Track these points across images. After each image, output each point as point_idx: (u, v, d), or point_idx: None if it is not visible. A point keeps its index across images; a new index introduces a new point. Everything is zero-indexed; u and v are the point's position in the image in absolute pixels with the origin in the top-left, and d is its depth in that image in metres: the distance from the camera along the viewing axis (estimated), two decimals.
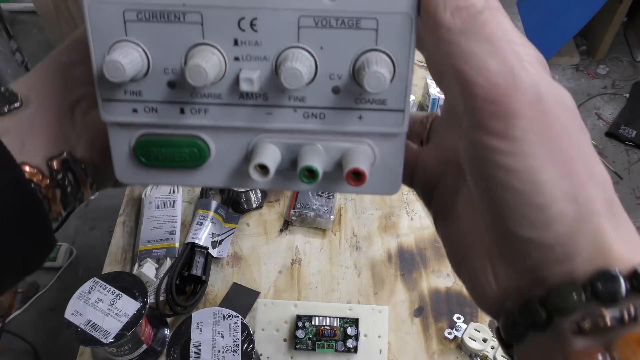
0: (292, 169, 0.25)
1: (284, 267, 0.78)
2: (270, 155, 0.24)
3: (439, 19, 0.20)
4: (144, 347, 0.67)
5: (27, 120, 0.27)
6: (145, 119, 0.25)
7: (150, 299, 0.71)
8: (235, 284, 0.76)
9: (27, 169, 0.26)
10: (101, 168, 0.30)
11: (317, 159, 0.24)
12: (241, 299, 0.74)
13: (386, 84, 0.22)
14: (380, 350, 0.69)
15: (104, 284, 0.63)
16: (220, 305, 0.73)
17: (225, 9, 0.22)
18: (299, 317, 0.70)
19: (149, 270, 0.74)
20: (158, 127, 0.25)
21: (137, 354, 0.66)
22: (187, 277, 0.75)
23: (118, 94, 0.24)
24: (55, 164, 0.27)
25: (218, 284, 0.76)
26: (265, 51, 0.23)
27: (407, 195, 0.86)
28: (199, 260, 0.75)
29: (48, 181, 0.27)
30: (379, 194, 0.26)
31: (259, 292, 0.75)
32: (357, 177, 0.24)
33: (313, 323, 0.69)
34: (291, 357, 0.69)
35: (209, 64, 0.22)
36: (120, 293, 0.63)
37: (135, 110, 0.25)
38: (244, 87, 0.23)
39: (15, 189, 0.25)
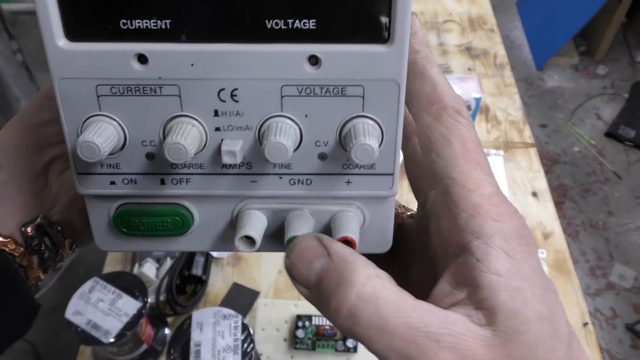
0: (280, 233, 0.24)
1: (284, 266, 0.78)
2: (256, 225, 0.24)
3: None
4: (145, 346, 0.67)
5: None
6: (124, 190, 0.24)
7: (151, 299, 0.71)
8: (235, 284, 0.76)
9: None
10: (81, 228, 0.28)
11: (304, 227, 0.23)
12: (241, 299, 0.74)
13: (375, 155, 0.21)
14: None
15: (105, 283, 0.64)
16: (221, 305, 0.74)
17: (204, 81, 0.21)
18: (299, 317, 0.70)
19: (149, 270, 0.74)
20: (138, 197, 0.24)
21: (137, 354, 0.67)
22: (188, 277, 0.75)
23: (94, 168, 0.23)
24: (29, 230, 0.26)
25: (218, 283, 0.76)
26: (248, 121, 0.22)
27: (407, 196, 0.86)
28: (199, 260, 0.76)
29: (22, 249, 0.26)
30: (369, 252, 0.26)
31: (259, 292, 0.75)
32: (347, 245, 0.23)
33: (313, 323, 0.69)
34: (291, 357, 0.69)
35: (189, 139, 0.21)
36: (121, 293, 0.63)
37: (113, 183, 0.24)
38: (227, 159, 0.22)
39: None
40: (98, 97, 0.22)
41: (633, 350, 1.46)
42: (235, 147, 0.22)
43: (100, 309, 0.61)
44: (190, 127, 0.22)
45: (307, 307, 0.72)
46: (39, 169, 0.27)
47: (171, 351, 0.57)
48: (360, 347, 0.68)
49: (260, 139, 0.22)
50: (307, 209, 0.24)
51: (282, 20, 0.20)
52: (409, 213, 0.28)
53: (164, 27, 0.20)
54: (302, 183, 0.24)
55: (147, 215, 0.24)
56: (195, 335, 0.58)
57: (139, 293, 0.63)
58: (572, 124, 2.05)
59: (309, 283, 0.21)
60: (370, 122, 0.22)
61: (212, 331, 0.58)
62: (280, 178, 0.23)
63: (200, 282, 0.75)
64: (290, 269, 0.21)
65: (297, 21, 0.20)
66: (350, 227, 0.23)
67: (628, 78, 2.20)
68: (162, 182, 0.24)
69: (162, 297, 0.73)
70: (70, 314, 0.61)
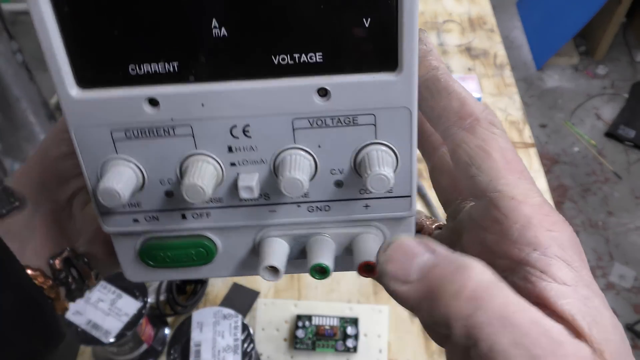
0: (302, 257, 0.25)
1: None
2: (279, 254, 0.24)
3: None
4: (145, 346, 0.67)
5: (25, 221, 0.26)
6: (147, 227, 0.24)
7: (151, 299, 0.71)
8: (235, 284, 0.76)
9: (28, 272, 0.25)
10: (105, 259, 0.29)
11: (326, 253, 0.24)
12: (241, 299, 0.74)
13: (390, 184, 0.21)
14: (380, 350, 0.69)
15: (105, 283, 0.64)
16: (221, 305, 0.74)
17: (216, 119, 0.22)
18: (299, 317, 0.70)
19: None
20: (161, 231, 0.25)
21: (137, 354, 0.67)
22: None
23: (117, 207, 0.24)
24: (57, 263, 0.26)
25: (218, 283, 0.76)
26: (262, 155, 0.22)
27: None
28: None
29: (50, 282, 0.26)
30: None
31: (259, 292, 0.75)
32: (369, 268, 0.23)
33: (313, 323, 0.69)
34: (291, 357, 0.69)
35: (206, 179, 0.21)
36: (121, 293, 0.63)
37: (136, 220, 0.24)
38: (244, 195, 0.22)
39: (22, 293, 0.25)
40: (114, 141, 0.22)
41: (633, 350, 1.46)
42: (251, 183, 0.22)
43: (101, 309, 0.61)
44: (206, 165, 0.22)
45: (307, 307, 0.72)
46: (63, 202, 0.27)
47: (171, 351, 0.57)
48: (360, 347, 0.68)
49: (275, 171, 0.22)
50: (327, 232, 0.24)
51: (289, 55, 0.20)
52: (436, 224, 0.28)
53: (172, 69, 0.21)
54: (321, 210, 0.24)
55: (172, 249, 0.25)
56: (195, 335, 0.58)
57: (139, 293, 0.63)
58: (572, 124, 2.05)
59: (408, 277, 0.19)
60: (384, 148, 0.22)
61: (212, 331, 0.58)
62: (299, 206, 0.24)
63: (200, 282, 0.75)
64: (386, 263, 0.20)
65: (303, 55, 0.20)
66: (372, 250, 0.23)
67: (628, 78, 2.20)
68: (183, 216, 0.24)
69: (162, 297, 0.73)
70: (70, 314, 0.61)
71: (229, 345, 0.58)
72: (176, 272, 0.26)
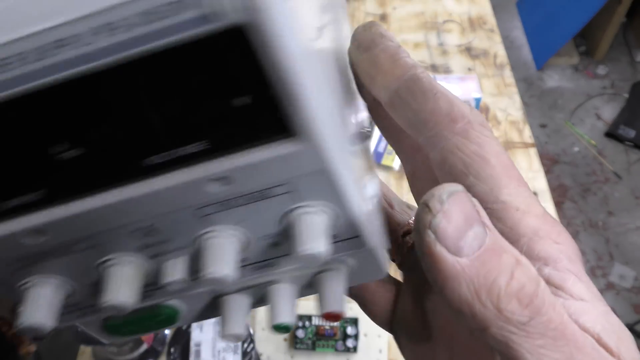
0: (266, 301, 0.23)
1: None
2: (239, 317, 0.23)
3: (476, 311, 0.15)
4: (145, 346, 0.67)
5: None
6: (96, 316, 0.23)
7: None
8: None
9: None
10: None
11: (286, 308, 0.22)
12: None
13: (322, 257, 0.18)
14: (380, 350, 0.69)
15: None
16: None
17: (113, 229, 0.19)
18: (299, 317, 0.70)
19: None
20: None
21: (137, 354, 0.67)
22: None
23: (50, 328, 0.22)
24: None
25: None
26: (179, 243, 0.20)
27: (408, 196, 0.86)
28: None
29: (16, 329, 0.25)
30: (368, 281, 0.24)
31: None
32: (334, 315, 0.22)
33: (313, 323, 0.69)
34: (291, 357, 0.69)
35: (125, 290, 0.19)
36: None
37: (83, 314, 0.22)
38: (173, 288, 0.20)
39: None
40: (16, 270, 0.20)
41: None
42: (176, 277, 0.20)
43: None
44: (121, 268, 0.20)
45: (307, 307, 0.72)
46: None
47: (171, 351, 0.57)
48: (360, 347, 0.68)
49: (198, 254, 0.20)
50: (284, 277, 0.23)
51: (167, 154, 0.17)
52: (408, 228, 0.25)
53: (40, 197, 0.18)
54: (267, 267, 0.22)
55: (134, 323, 0.24)
56: (195, 335, 0.58)
57: None
58: (572, 124, 2.05)
59: (460, 249, 0.16)
60: (309, 209, 0.19)
61: (212, 331, 0.59)
62: (244, 268, 0.22)
63: None
64: (442, 221, 0.16)
65: (185, 148, 0.17)
66: (336, 295, 0.22)
67: (628, 78, 2.20)
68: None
69: None
70: None
71: (228, 345, 0.58)
72: (147, 331, 0.25)
